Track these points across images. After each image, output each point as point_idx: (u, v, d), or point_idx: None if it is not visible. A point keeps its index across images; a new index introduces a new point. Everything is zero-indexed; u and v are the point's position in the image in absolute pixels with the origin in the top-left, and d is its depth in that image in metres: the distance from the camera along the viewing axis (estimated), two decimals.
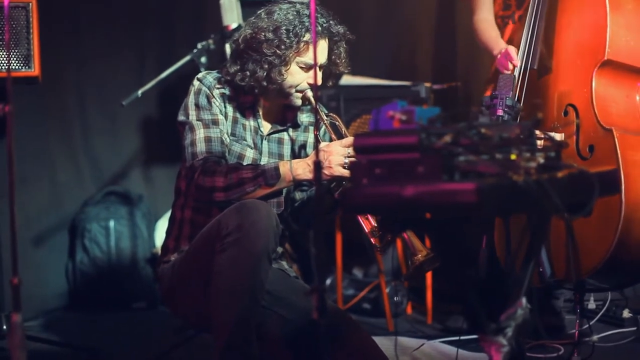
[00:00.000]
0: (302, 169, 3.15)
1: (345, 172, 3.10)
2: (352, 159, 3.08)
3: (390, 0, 5.65)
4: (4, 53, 3.93)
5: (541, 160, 2.40)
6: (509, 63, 3.90)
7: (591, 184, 2.42)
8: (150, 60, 5.48)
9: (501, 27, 4.26)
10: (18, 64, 3.98)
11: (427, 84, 4.82)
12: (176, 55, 4.93)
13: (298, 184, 3.28)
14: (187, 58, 4.78)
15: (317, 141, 3.14)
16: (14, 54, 3.96)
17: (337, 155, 3.11)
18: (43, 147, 5.20)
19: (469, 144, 2.25)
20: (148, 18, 5.52)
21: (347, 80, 4.91)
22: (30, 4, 3.97)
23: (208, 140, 3.21)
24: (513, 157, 2.32)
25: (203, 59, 4.75)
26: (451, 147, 2.23)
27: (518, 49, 3.91)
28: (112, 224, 5.18)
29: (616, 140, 3.62)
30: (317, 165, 2.38)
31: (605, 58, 3.74)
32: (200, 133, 3.22)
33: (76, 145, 5.35)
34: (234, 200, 3.11)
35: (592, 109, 3.73)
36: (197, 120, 3.24)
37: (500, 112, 3.68)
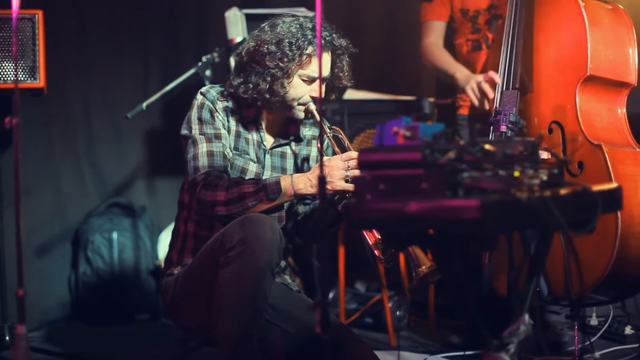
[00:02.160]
0: (304, 183, 3.16)
1: (347, 186, 3.11)
2: (354, 172, 3.09)
3: (394, 15, 5.67)
4: (11, 65, 3.94)
5: (544, 177, 2.41)
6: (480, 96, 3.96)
7: (594, 201, 2.43)
8: (155, 72, 5.50)
9: (470, 51, 4.30)
10: (24, 76, 4.00)
11: (431, 99, 4.84)
12: (181, 68, 4.95)
13: (300, 198, 3.29)
14: (192, 71, 4.79)
15: (321, 156, 3.15)
16: (20, 65, 3.97)
17: (338, 170, 3.12)
18: (47, 158, 5.21)
19: (473, 161, 2.26)
20: (153, 31, 5.53)
21: (351, 94, 4.92)
22: (37, 15, 3.99)
23: (210, 154, 3.22)
24: (516, 173, 2.33)
25: (208, 72, 4.76)
26: (455, 163, 2.24)
27: (496, 72, 3.93)
28: (115, 235, 5.18)
29: (606, 155, 3.63)
30: (322, 181, 2.39)
31: (588, 74, 3.76)
32: (202, 147, 3.23)
33: (80, 156, 5.36)
34: (236, 215, 3.12)
35: (578, 125, 3.74)
36: (200, 134, 3.26)
37: (503, 128, 3.69)
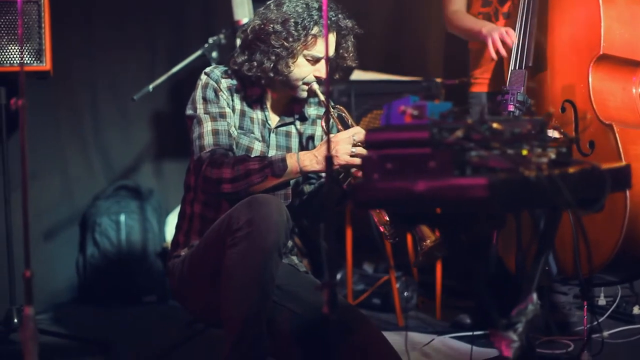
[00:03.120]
0: (309, 160, 3.15)
1: (353, 160, 3.12)
2: (359, 147, 3.10)
3: None
4: (17, 48, 3.94)
5: (552, 156, 2.40)
6: (500, 45, 3.90)
7: (603, 179, 2.42)
8: (162, 54, 5.49)
9: None
10: (30, 59, 4.00)
11: (439, 80, 4.82)
12: (187, 50, 4.94)
13: (305, 176, 3.28)
14: (198, 53, 4.79)
15: (328, 134, 3.14)
16: (26, 48, 3.97)
17: (344, 145, 3.12)
18: (54, 141, 5.21)
19: (481, 139, 2.25)
20: (159, 13, 5.52)
21: (358, 75, 4.90)
22: None
23: (215, 132, 3.22)
24: (524, 152, 2.32)
25: (214, 54, 4.75)
26: (463, 142, 2.23)
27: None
28: (122, 218, 5.19)
29: (617, 135, 3.62)
30: (329, 160, 2.38)
31: (601, 52, 3.74)
32: (207, 126, 3.23)
33: (87, 139, 5.37)
34: (242, 192, 3.12)
35: (590, 105, 3.73)
36: (205, 113, 3.25)
37: (511, 108, 3.68)
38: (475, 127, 2.26)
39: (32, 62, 4.01)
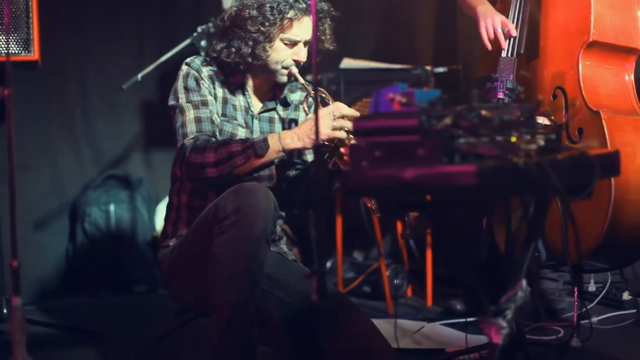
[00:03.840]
0: (291, 138, 3.18)
1: (335, 134, 3.15)
2: (340, 120, 3.14)
3: None
4: (3, 37, 3.92)
5: (541, 143, 2.40)
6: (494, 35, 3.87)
7: (591, 166, 2.42)
8: (151, 44, 5.47)
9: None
10: (18, 48, 3.98)
11: (428, 67, 4.82)
12: (176, 39, 4.93)
13: (289, 153, 3.27)
14: (187, 41, 4.78)
15: (317, 109, 3.14)
16: (14, 38, 3.95)
17: (324, 120, 3.14)
18: (44, 131, 5.19)
19: (469, 127, 2.25)
20: (148, 2, 5.51)
21: (347, 63, 4.90)
22: None
23: (198, 120, 3.25)
24: (513, 139, 2.32)
25: (203, 43, 4.74)
26: (451, 129, 2.22)
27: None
28: (112, 207, 5.18)
29: (603, 121, 3.63)
30: (318, 149, 2.38)
31: (591, 39, 3.74)
32: (190, 114, 3.26)
33: (77, 129, 5.35)
34: (226, 175, 3.13)
35: (579, 91, 3.73)
36: (187, 102, 3.28)
37: (500, 95, 3.68)
38: (463, 114, 2.26)
39: (20, 52, 3.99)
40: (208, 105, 3.28)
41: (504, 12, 3.95)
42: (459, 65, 4.98)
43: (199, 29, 4.78)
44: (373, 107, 2.26)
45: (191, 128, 3.23)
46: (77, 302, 5.00)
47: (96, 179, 5.28)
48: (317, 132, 2.57)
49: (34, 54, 4.00)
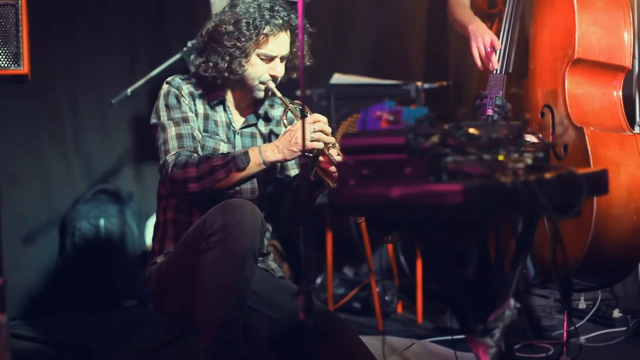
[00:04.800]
0: (271, 151, 3.20)
1: (313, 144, 3.16)
2: (318, 133, 3.16)
3: (382, 0, 5.65)
4: None
5: (529, 161, 2.39)
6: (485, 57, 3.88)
7: (580, 184, 2.42)
8: (141, 58, 5.47)
9: (488, 26, 4.25)
10: (7, 62, 3.97)
11: (418, 83, 4.82)
12: (166, 54, 4.92)
13: (269, 166, 3.26)
14: (177, 56, 4.77)
15: (303, 119, 3.14)
16: (3, 52, 3.94)
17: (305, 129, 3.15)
18: (34, 145, 5.18)
19: (457, 145, 2.25)
20: (138, 17, 5.51)
21: (338, 79, 4.90)
22: (20, 1, 3.95)
23: (179, 137, 3.27)
24: (501, 158, 2.31)
25: (192, 58, 4.73)
26: (438, 147, 2.22)
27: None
28: (102, 222, 5.16)
29: (587, 137, 3.63)
30: (305, 167, 2.38)
31: (576, 57, 3.76)
32: (171, 131, 3.28)
33: (67, 143, 5.34)
34: (208, 190, 3.15)
35: (565, 108, 3.74)
36: (168, 119, 3.31)
37: (490, 112, 3.68)
38: (451, 132, 2.25)
39: (9, 65, 3.98)
40: (189, 122, 3.31)
41: (499, 32, 3.96)
42: (449, 81, 4.99)
43: (189, 44, 4.78)
44: (361, 125, 2.25)
45: (173, 145, 3.25)
46: (66, 317, 4.98)
47: (86, 193, 5.27)
48: (303, 142, 2.55)
49: (24, 68, 3.99)
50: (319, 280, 4.92)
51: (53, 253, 5.22)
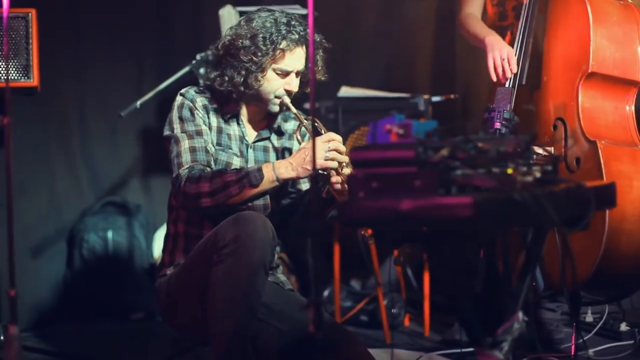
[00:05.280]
0: (285, 167, 3.20)
1: (327, 164, 3.16)
2: (333, 152, 3.16)
3: (388, 12, 5.67)
4: (3, 64, 3.93)
5: (538, 175, 2.40)
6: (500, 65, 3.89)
7: (588, 197, 2.43)
8: (149, 71, 5.49)
9: (497, 20, 4.25)
10: (17, 75, 3.98)
11: (426, 96, 4.83)
12: (175, 66, 4.94)
13: (283, 183, 3.27)
14: (186, 69, 4.79)
15: (313, 136, 3.14)
16: (13, 64, 3.96)
17: (318, 149, 3.16)
18: (42, 157, 5.19)
19: (466, 158, 2.26)
20: (147, 29, 5.53)
21: (345, 92, 4.91)
22: (30, 14, 3.97)
23: (193, 150, 3.27)
24: (510, 171, 2.32)
25: (202, 70, 4.75)
26: (448, 160, 2.23)
27: None
28: (110, 234, 5.17)
29: (600, 151, 3.64)
30: (315, 180, 2.39)
31: (590, 70, 3.77)
32: (185, 144, 3.28)
33: (75, 155, 5.35)
34: (221, 205, 3.15)
35: (578, 122, 3.75)
36: (182, 132, 3.31)
37: (497, 125, 3.69)
38: (460, 145, 2.27)
39: (19, 78, 4.00)
40: (202, 135, 3.30)
41: (512, 44, 3.97)
42: (456, 94, 5.00)
43: (198, 57, 4.79)
44: (370, 138, 2.27)
45: (186, 158, 3.25)
46: (74, 329, 4.98)
47: (94, 206, 5.28)
48: (314, 161, 2.55)
49: (34, 80, 4.01)
50: (326, 293, 4.92)
51: (61, 265, 5.22)
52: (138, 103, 4.68)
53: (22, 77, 4.00)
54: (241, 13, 4.77)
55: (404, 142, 2.32)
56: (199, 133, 3.30)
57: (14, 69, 3.98)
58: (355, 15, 5.65)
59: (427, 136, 2.33)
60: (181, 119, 3.33)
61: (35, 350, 4.20)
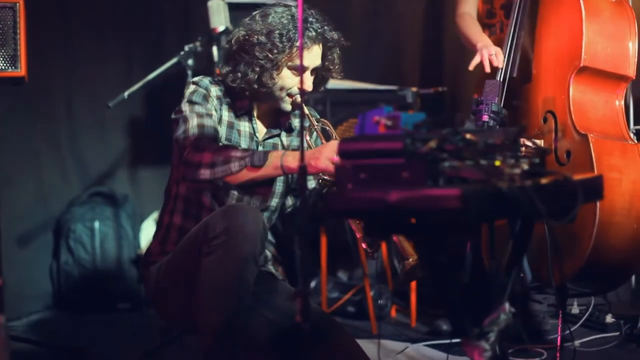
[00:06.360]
0: (293, 157, 3.05)
1: (329, 167, 3.01)
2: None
3: (377, 5, 5.68)
4: None
5: (525, 167, 2.41)
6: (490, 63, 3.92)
7: (575, 190, 2.44)
8: (138, 62, 5.49)
9: (485, 17, 4.27)
10: (5, 65, 3.98)
11: (414, 89, 4.83)
12: (163, 58, 4.92)
13: (286, 173, 3.20)
14: (174, 60, 4.77)
15: (320, 141, 3.12)
16: (1, 54, 3.95)
17: (329, 150, 3.02)
18: (29, 147, 5.19)
19: (454, 150, 2.26)
20: (136, 20, 5.52)
21: (334, 83, 4.90)
22: (18, 4, 3.96)
23: (201, 126, 3.16)
24: (497, 163, 2.33)
25: (190, 62, 4.74)
26: (436, 152, 2.24)
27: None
28: (97, 224, 5.18)
29: (591, 145, 3.66)
30: (302, 170, 2.39)
31: (582, 64, 3.78)
32: (193, 122, 3.16)
33: (62, 145, 5.35)
34: (218, 180, 3.06)
35: (569, 115, 3.77)
36: (191, 112, 3.18)
37: (485, 118, 3.70)
38: (448, 137, 2.27)
39: (6, 67, 3.99)
40: (212, 118, 3.20)
41: (498, 43, 3.99)
42: (444, 87, 5.01)
43: (186, 48, 4.78)
44: (359, 130, 2.27)
45: (193, 133, 3.13)
46: (61, 319, 4.99)
47: (81, 196, 5.28)
48: (303, 171, 2.43)
49: (21, 70, 4.00)
50: (313, 284, 4.93)
51: (48, 255, 5.23)
52: (126, 94, 4.66)
53: (10, 67, 3.99)
54: (230, 4, 4.77)
55: (392, 133, 2.32)
56: (210, 115, 3.19)
57: (1, 59, 3.97)
58: (343, 7, 5.65)
59: (415, 128, 2.33)
60: (192, 102, 3.20)
61: (21, 340, 4.19)
